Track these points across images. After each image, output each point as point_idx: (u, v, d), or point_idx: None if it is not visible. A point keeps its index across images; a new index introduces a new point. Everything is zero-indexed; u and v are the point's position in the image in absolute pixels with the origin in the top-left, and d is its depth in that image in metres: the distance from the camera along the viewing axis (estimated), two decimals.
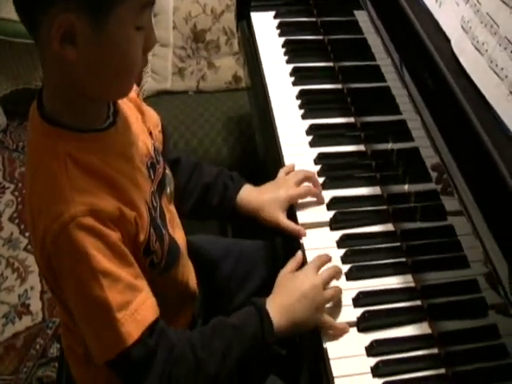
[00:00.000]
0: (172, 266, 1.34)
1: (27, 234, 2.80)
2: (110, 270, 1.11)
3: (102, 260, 1.10)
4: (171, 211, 1.41)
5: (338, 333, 1.28)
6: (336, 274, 1.35)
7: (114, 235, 1.13)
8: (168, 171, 1.40)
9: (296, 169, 1.59)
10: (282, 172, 1.58)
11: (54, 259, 1.12)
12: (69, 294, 1.16)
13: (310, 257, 1.41)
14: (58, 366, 1.67)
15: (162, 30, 2.67)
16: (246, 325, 1.25)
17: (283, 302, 1.28)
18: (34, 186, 1.16)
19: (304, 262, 1.40)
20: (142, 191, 1.23)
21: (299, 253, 1.41)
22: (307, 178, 1.54)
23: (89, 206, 1.10)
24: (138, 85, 2.32)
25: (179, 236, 1.42)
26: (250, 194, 1.54)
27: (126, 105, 1.31)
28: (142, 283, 1.18)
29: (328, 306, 1.32)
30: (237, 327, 1.24)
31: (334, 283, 1.35)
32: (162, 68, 2.66)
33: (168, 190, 1.39)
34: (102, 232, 1.11)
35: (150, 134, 1.38)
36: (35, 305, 2.58)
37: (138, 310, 1.14)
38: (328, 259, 1.38)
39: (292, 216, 1.51)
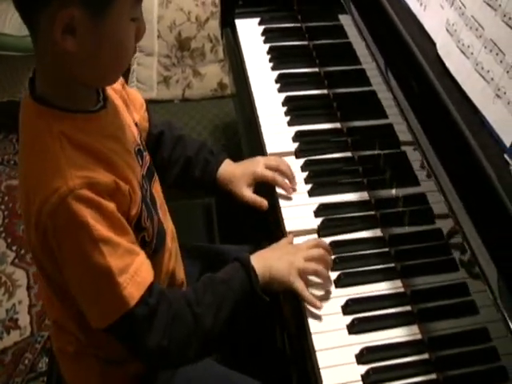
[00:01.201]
0: (159, 249, 1.37)
1: (14, 248, 2.78)
2: (109, 237, 1.15)
3: (101, 229, 1.14)
4: (161, 198, 1.46)
5: (308, 300, 1.33)
6: (324, 258, 1.38)
7: (111, 206, 1.16)
8: None
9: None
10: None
11: (51, 232, 1.14)
12: (68, 266, 1.18)
13: None
14: (47, 380, 1.66)
15: (146, 39, 2.64)
16: (234, 278, 1.32)
17: (266, 255, 1.38)
18: (30, 166, 1.19)
19: None
20: (133, 170, 1.27)
21: (292, 235, 1.47)
22: (278, 168, 1.59)
23: (86, 179, 1.13)
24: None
25: (168, 225, 1.46)
26: (226, 168, 1.60)
27: (113, 96, 1.34)
28: (138, 248, 1.23)
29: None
30: (226, 281, 1.31)
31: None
32: (147, 77, 2.65)
33: (157, 177, 1.44)
34: (99, 203, 1.14)
35: (136, 124, 1.42)
36: (23, 319, 2.54)
37: (137, 271, 1.19)
38: (327, 247, 1.42)
39: (279, 222, 1.50)
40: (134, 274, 1.18)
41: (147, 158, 1.39)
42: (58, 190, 1.11)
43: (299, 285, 1.34)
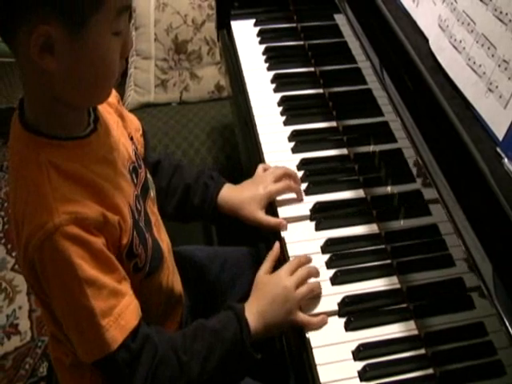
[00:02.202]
0: (156, 269, 1.34)
1: (14, 254, 2.79)
2: (95, 277, 1.13)
3: (87, 268, 1.11)
4: (156, 214, 1.42)
5: (316, 326, 1.30)
6: (309, 274, 1.35)
7: (99, 241, 1.14)
8: (149, 175, 1.41)
9: None
10: (259, 168, 1.60)
11: (38, 266, 1.13)
12: (54, 300, 1.17)
13: None
14: None
15: (143, 42, 2.67)
16: (225, 329, 1.28)
17: (258, 307, 1.31)
18: (18, 195, 1.16)
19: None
20: (125, 195, 1.24)
21: (276, 245, 1.43)
22: (286, 174, 1.56)
23: (73, 215, 1.10)
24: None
25: (164, 239, 1.44)
26: (229, 193, 1.55)
27: (106, 110, 1.31)
28: (126, 287, 1.20)
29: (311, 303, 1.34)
30: (217, 331, 1.27)
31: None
32: (144, 81, 2.66)
33: (152, 194, 1.41)
34: (86, 240, 1.11)
35: (131, 138, 1.39)
36: (24, 324, 2.55)
37: (121, 314, 1.16)
38: (306, 260, 1.39)
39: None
40: (118, 316, 1.16)
41: (142, 174, 1.36)
42: (45, 225, 1.09)
43: (301, 318, 1.30)
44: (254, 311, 1.30)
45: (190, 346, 1.24)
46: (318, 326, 1.30)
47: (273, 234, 1.48)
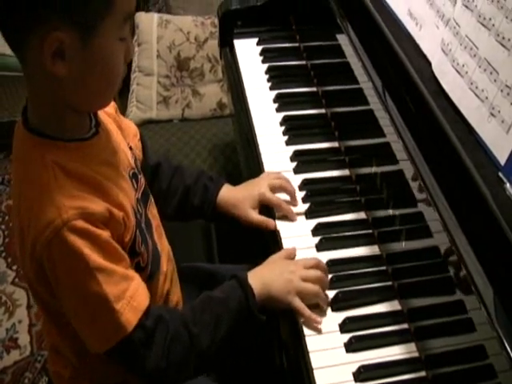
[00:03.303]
0: (154, 273, 1.37)
1: (14, 268, 2.78)
2: (104, 265, 1.16)
3: (96, 257, 1.14)
4: (157, 219, 1.45)
5: (308, 318, 1.33)
6: (321, 279, 1.38)
7: (105, 234, 1.17)
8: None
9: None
10: (264, 173, 1.65)
11: (47, 263, 1.15)
12: (64, 295, 1.19)
13: None
14: None
15: (146, 59, 2.68)
16: (231, 298, 1.32)
17: (264, 274, 1.37)
18: (22, 199, 1.19)
19: None
20: (127, 195, 1.27)
21: (294, 247, 1.46)
22: (283, 187, 1.58)
23: (80, 210, 1.13)
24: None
25: (164, 245, 1.47)
26: (228, 193, 1.59)
27: (106, 119, 1.34)
28: (133, 272, 1.24)
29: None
30: (223, 301, 1.32)
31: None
32: (146, 97, 2.66)
33: (152, 200, 1.44)
34: (93, 233, 1.14)
35: (130, 148, 1.41)
36: (23, 338, 2.55)
37: (133, 296, 1.20)
38: (323, 267, 1.41)
39: (277, 241, 1.51)
40: (130, 299, 1.19)
41: (142, 180, 1.39)
42: (53, 222, 1.12)
43: (298, 304, 1.33)
44: (259, 276, 1.35)
45: (199, 318, 1.28)
46: (309, 319, 1.32)
47: (274, 252, 1.48)
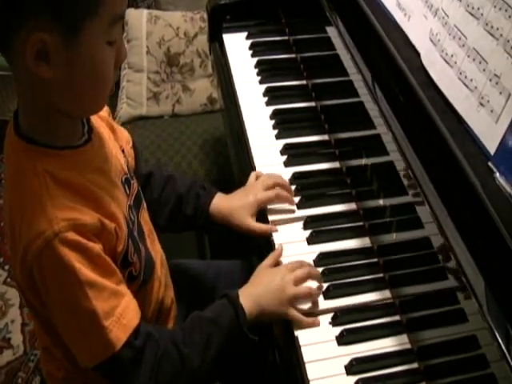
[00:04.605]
0: (147, 280, 1.36)
1: (6, 267, 2.78)
2: (95, 280, 1.14)
3: (87, 272, 1.13)
4: (149, 225, 1.44)
5: (306, 326, 1.32)
6: (310, 275, 1.37)
7: (97, 247, 1.15)
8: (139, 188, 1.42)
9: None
10: (252, 176, 1.61)
11: (37, 274, 1.14)
12: (54, 307, 1.18)
13: None
14: None
15: (135, 55, 2.67)
16: (222, 316, 1.30)
17: (253, 291, 1.34)
18: (14, 205, 1.18)
19: None
20: (119, 204, 1.25)
21: (279, 246, 1.45)
22: (276, 184, 1.57)
23: (71, 221, 1.11)
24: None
25: (157, 250, 1.45)
26: (221, 203, 1.57)
27: (99, 123, 1.32)
28: (125, 288, 1.22)
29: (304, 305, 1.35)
30: (213, 320, 1.29)
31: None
32: (136, 94, 2.65)
33: (145, 205, 1.43)
34: (84, 245, 1.13)
35: (123, 151, 1.40)
36: (16, 338, 2.54)
37: (123, 314, 1.18)
38: (308, 264, 1.41)
39: (268, 236, 1.50)
40: (120, 316, 1.17)
41: (135, 185, 1.38)
42: (44, 232, 1.10)
43: (293, 314, 1.32)
44: (248, 294, 1.33)
45: (190, 338, 1.26)
46: (308, 326, 1.31)
47: (266, 248, 1.48)
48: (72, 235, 1.11)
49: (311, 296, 1.35)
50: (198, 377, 1.27)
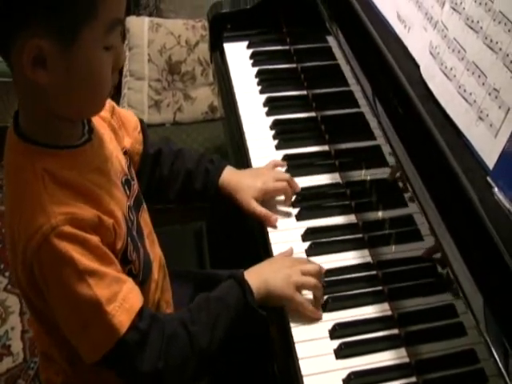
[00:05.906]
0: (145, 281, 1.36)
1: (7, 274, 2.77)
2: (95, 268, 1.15)
3: (86, 261, 1.13)
4: (149, 227, 1.45)
5: (310, 313, 1.34)
6: (317, 286, 1.37)
7: (95, 239, 1.16)
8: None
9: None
10: (270, 163, 1.64)
11: (37, 270, 1.14)
12: (55, 302, 1.18)
13: None
14: None
15: (137, 63, 2.67)
16: (229, 295, 1.31)
17: (261, 272, 1.37)
18: (14, 206, 1.18)
19: None
20: (118, 203, 1.26)
21: (291, 247, 1.47)
22: (288, 183, 1.58)
23: (68, 215, 1.12)
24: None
25: (156, 252, 1.46)
26: (230, 177, 1.59)
27: (101, 124, 1.33)
28: (125, 276, 1.22)
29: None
30: (221, 299, 1.31)
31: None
32: (138, 101, 2.66)
33: (145, 206, 1.43)
34: (82, 238, 1.13)
35: (125, 152, 1.41)
36: (16, 345, 2.53)
37: (125, 299, 1.18)
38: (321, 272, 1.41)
39: (267, 247, 1.50)
40: (123, 301, 1.17)
41: (135, 187, 1.38)
42: (41, 227, 1.11)
43: (299, 298, 1.34)
44: (255, 273, 1.35)
45: (197, 317, 1.27)
46: (311, 314, 1.34)
47: (265, 258, 1.47)
48: (69, 229, 1.12)
49: (316, 289, 1.36)
50: (207, 357, 1.28)
